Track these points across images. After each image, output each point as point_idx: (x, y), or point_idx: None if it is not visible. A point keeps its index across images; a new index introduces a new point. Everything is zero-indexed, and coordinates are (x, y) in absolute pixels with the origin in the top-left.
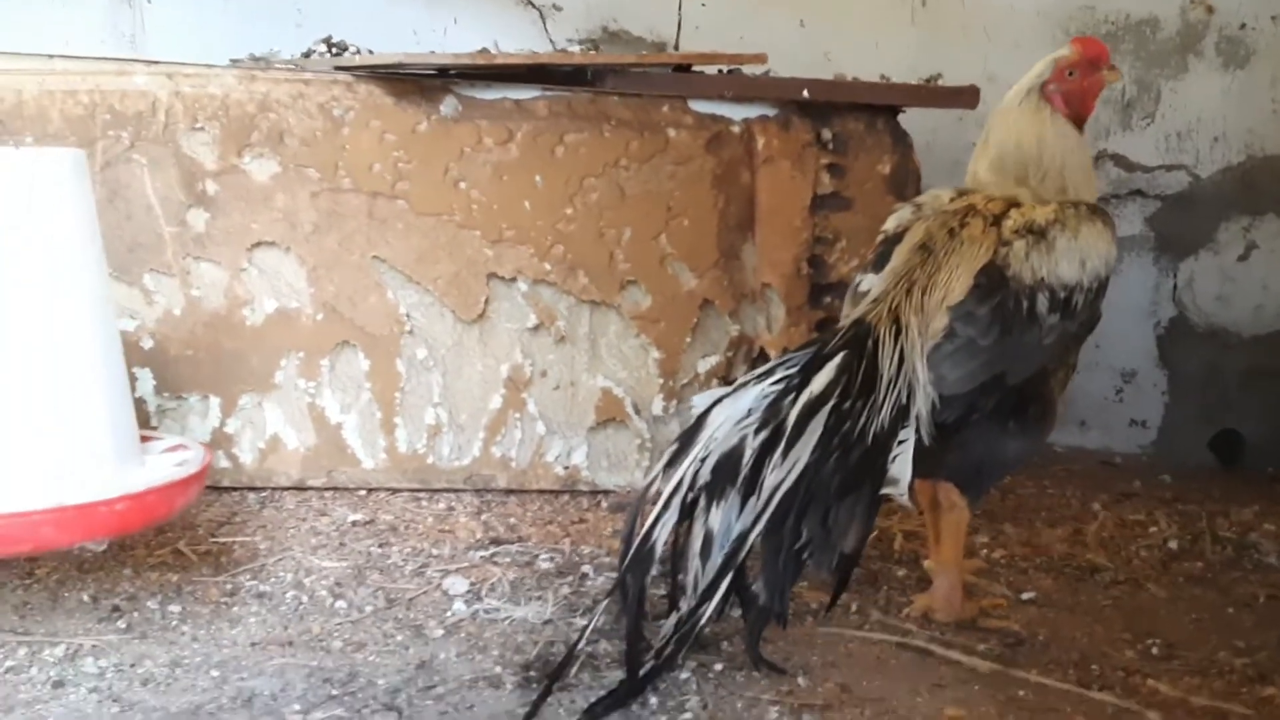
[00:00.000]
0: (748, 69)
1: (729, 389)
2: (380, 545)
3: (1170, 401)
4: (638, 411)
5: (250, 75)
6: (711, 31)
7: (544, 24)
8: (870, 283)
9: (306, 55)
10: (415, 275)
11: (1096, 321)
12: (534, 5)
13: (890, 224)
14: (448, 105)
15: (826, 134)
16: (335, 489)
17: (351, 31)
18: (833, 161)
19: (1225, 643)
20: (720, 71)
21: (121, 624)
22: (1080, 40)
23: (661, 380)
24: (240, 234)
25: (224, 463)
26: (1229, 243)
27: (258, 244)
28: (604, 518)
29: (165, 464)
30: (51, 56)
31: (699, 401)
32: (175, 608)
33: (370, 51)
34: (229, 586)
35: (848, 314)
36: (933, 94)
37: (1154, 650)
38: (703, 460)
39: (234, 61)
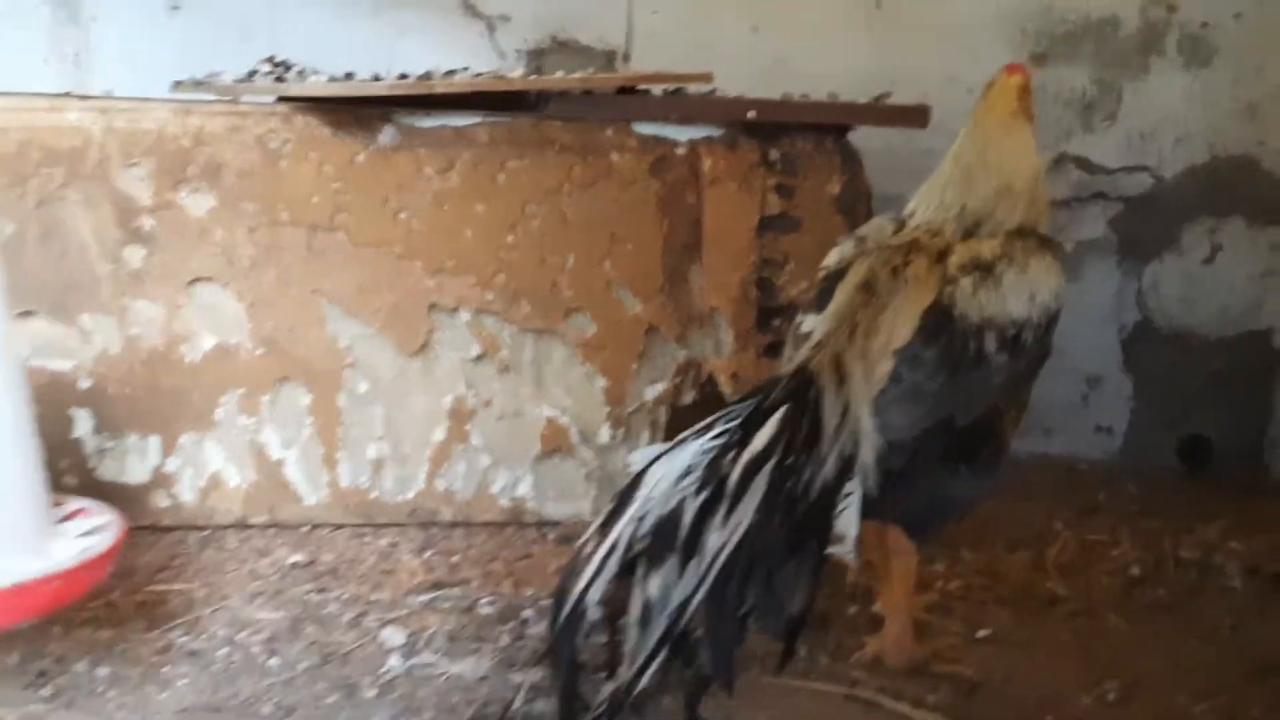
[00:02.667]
0: (695, 88)
1: (667, 445)
2: (319, 591)
3: (1136, 406)
4: (585, 440)
5: (185, 109)
6: (662, 38)
7: (491, 35)
8: (812, 323)
9: (250, 76)
10: (356, 308)
11: (1047, 356)
12: (481, 16)
13: (832, 259)
14: (386, 135)
15: (774, 154)
16: (278, 526)
17: (298, 47)
18: (781, 182)
19: (1186, 683)
20: (666, 92)
21: (47, 691)
22: (1017, 67)
23: (608, 408)
24: (178, 270)
25: (165, 502)
26: (1193, 245)
27: (196, 280)
28: (550, 551)
29: (72, 545)
30: None
31: (636, 459)
32: (104, 670)
33: (315, 72)
34: (161, 644)
35: (790, 356)
36: (881, 113)
37: (1110, 696)
38: (640, 521)
39: (176, 84)
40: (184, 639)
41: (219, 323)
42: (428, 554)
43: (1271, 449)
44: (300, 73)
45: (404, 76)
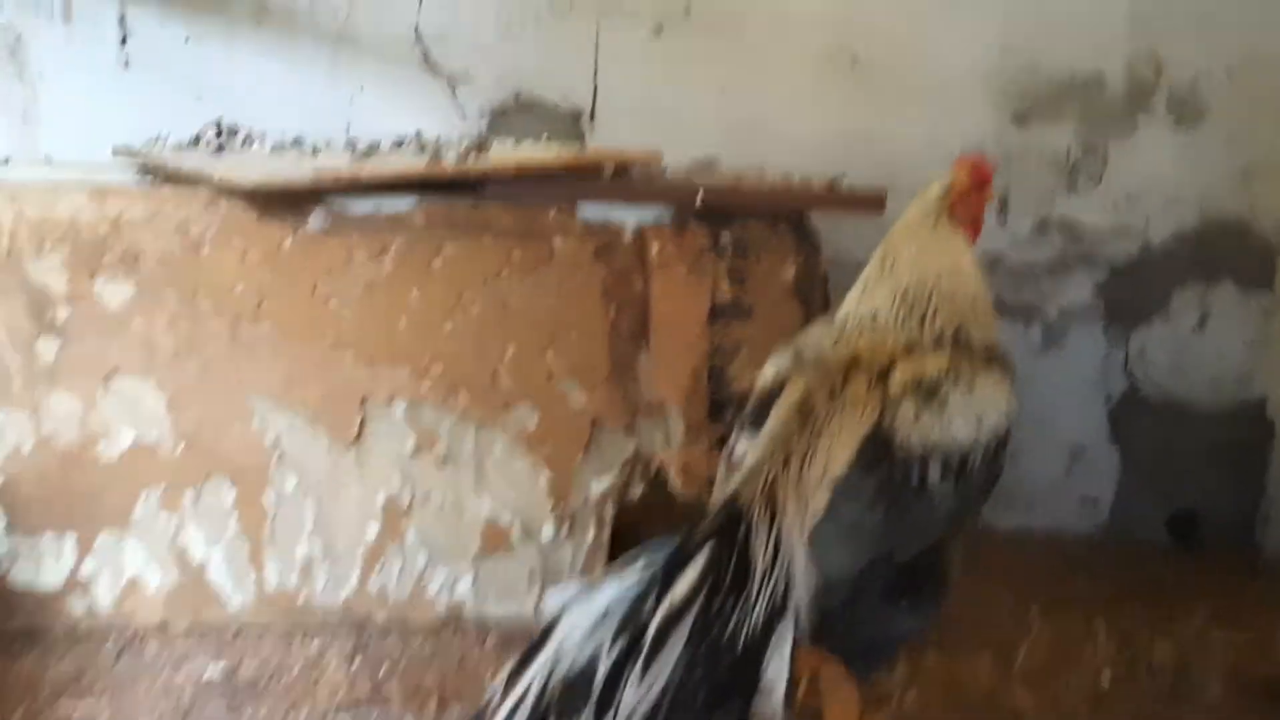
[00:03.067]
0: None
1: (584, 585)
2: (232, 710)
3: (1123, 479)
4: (527, 537)
5: (102, 193)
6: (628, 97)
7: (453, 93)
8: (745, 447)
9: (194, 141)
10: (284, 400)
11: (997, 479)
12: (442, 74)
13: (768, 374)
14: (316, 219)
15: (725, 237)
16: (202, 630)
17: (253, 104)
18: (732, 267)
19: None
20: (614, 172)
21: None
22: (966, 163)
23: (552, 502)
24: (94, 363)
25: (81, 607)
26: (1183, 311)
27: (113, 373)
28: (487, 658)
29: None
30: None
31: (550, 602)
32: None
33: (262, 136)
34: None
35: (722, 480)
36: (836, 199)
37: None
38: (550, 673)
39: (115, 151)
40: None
41: (138, 417)
42: (356, 662)
43: (1264, 525)
44: (246, 139)
45: (350, 145)
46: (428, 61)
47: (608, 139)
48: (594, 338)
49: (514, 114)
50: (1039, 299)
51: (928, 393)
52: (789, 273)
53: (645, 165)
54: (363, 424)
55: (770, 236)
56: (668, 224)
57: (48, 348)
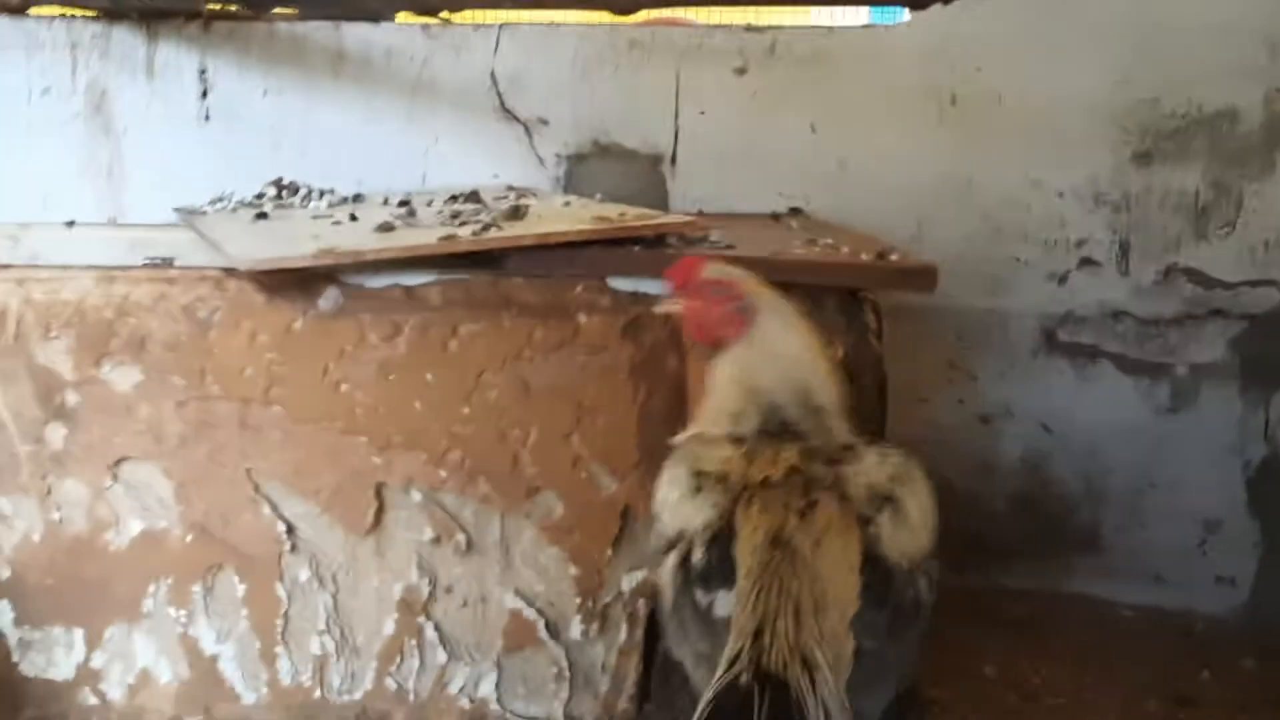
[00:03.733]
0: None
1: None
2: None
3: (1264, 555)
4: (554, 634)
5: (109, 276)
6: (710, 141)
7: (530, 139)
8: (726, 604)
9: (259, 198)
10: (295, 488)
11: None
12: (519, 120)
13: (700, 516)
14: (328, 299)
15: None
16: None
17: (329, 154)
18: None
19: None
20: (647, 241)
21: None
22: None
23: (581, 598)
24: (102, 449)
25: (92, 700)
26: None
27: (121, 459)
28: None
29: None
30: None
31: None
32: None
33: (328, 192)
34: None
35: (700, 651)
36: (881, 274)
37: None
38: None
39: (176, 210)
40: None
41: (146, 506)
42: None
43: None
44: (305, 196)
45: (405, 202)
46: (504, 107)
47: (689, 184)
48: (623, 420)
49: (592, 159)
50: (1166, 355)
51: (890, 503)
52: (836, 353)
53: (684, 233)
54: (378, 512)
55: (816, 312)
56: None
57: (56, 434)
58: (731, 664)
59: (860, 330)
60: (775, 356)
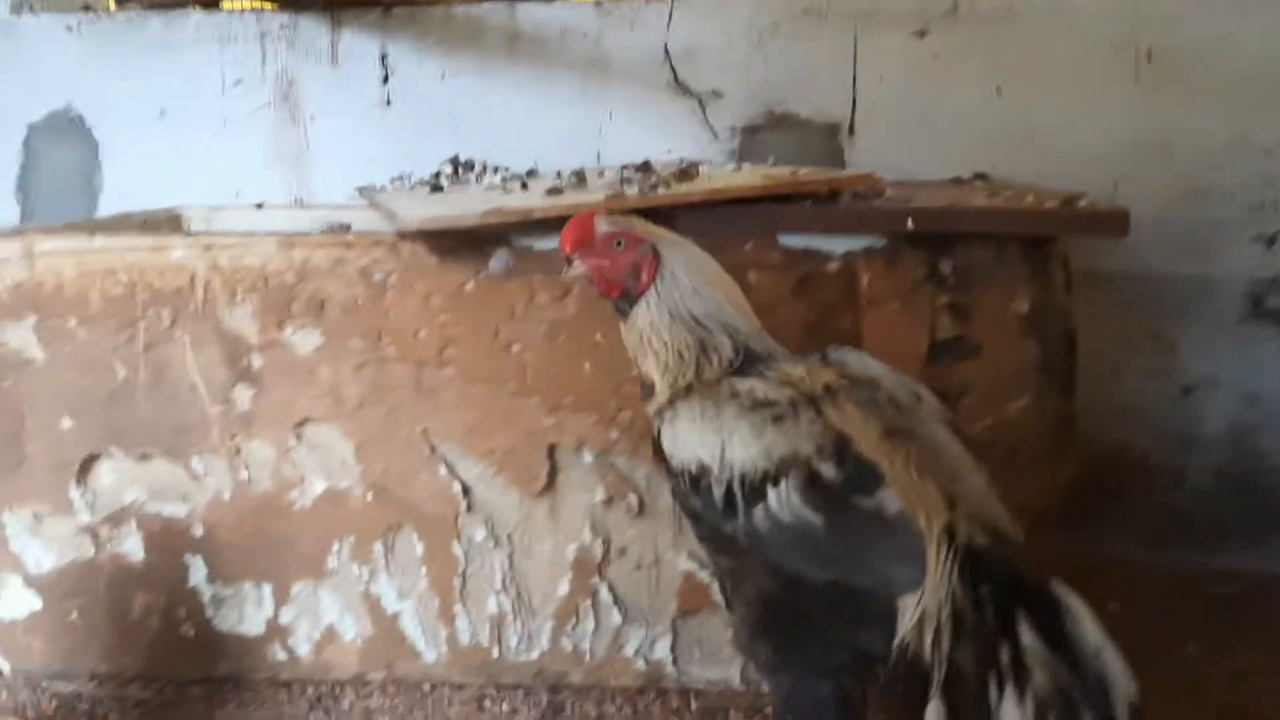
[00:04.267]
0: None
1: None
2: None
3: None
4: None
5: (290, 242)
6: (889, 107)
7: (703, 112)
8: (893, 500)
9: (435, 177)
10: (469, 448)
11: None
12: (692, 93)
13: (797, 442)
14: (498, 260)
15: (945, 266)
16: (397, 683)
17: (505, 134)
18: (954, 300)
19: None
20: (819, 196)
21: None
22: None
23: None
24: (286, 410)
25: (281, 655)
26: None
27: (304, 421)
28: None
29: None
30: (92, 234)
31: None
32: None
33: (501, 169)
34: None
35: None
36: (1069, 220)
37: None
38: None
39: (357, 190)
40: None
41: (328, 465)
42: None
43: None
44: (480, 172)
45: (578, 174)
46: (677, 81)
47: (867, 153)
48: None
49: (766, 131)
50: None
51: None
52: (1023, 304)
53: (859, 188)
54: (551, 473)
55: (997, 265)
56: (879, 253)
57: (243, 396)
58: (949, 541)
59: (1046, 282)
60: (696, 289)
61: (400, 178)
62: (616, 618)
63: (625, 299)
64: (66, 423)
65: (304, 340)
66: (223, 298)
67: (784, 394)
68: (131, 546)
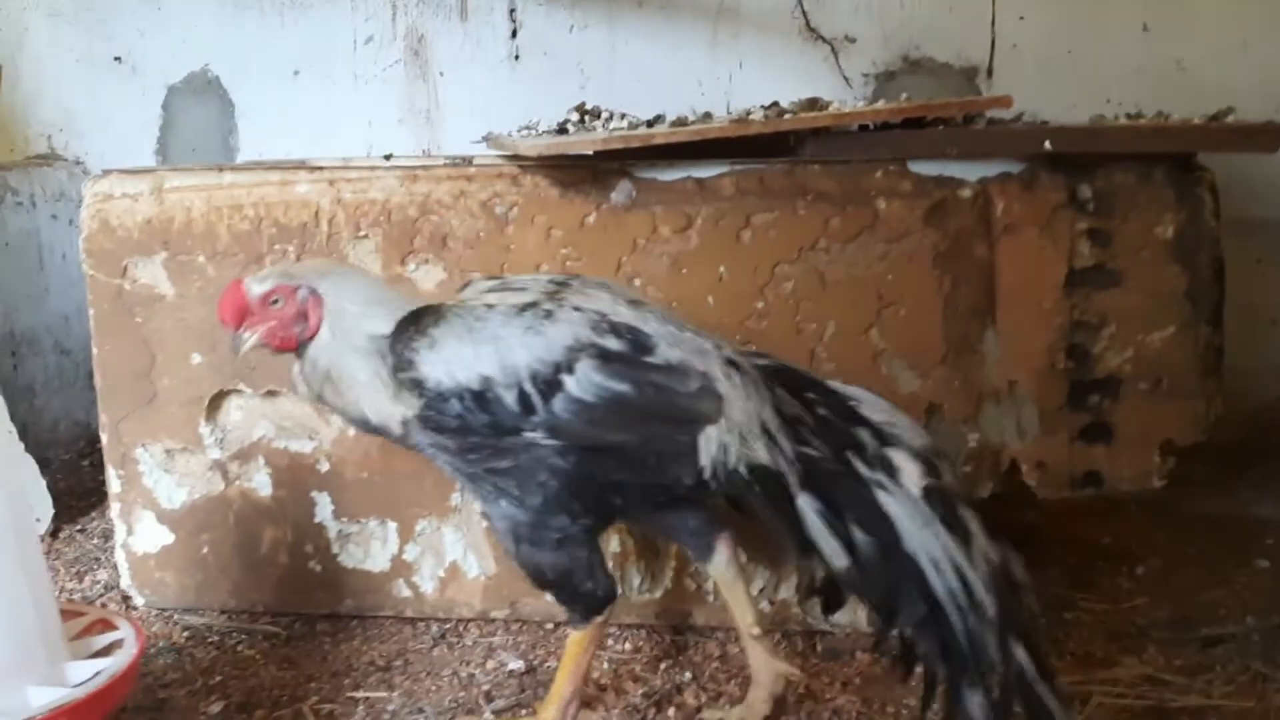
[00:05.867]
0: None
1: None
2: (512, 708)
3: None
4: None
5: (412, 176)
6: (1030, 48)
7: (836, 59)
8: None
9: (562, 126)
10: None
11: None
12: (825, 40)
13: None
14: (620, 192)
15: (1085, 191)
16: (520, 621)
17: (633, 87)
18: (1094, 226)
19: None
20: (953, 122)
21: None
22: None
23: None
24: None
25: (406, 592)
26: None
27: None
28: (809, 670)
29: (84, 669)
30: (220, 170)
31: None
32: None
33: (626, 116)
34: None
35: None
36: (1216, 135)
37: None
38: None
39: (484, 138)
40: None
41: None
42: (664, 665)
43: None
44: (607, 119)
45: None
46: (809, 27)
47: None
48: (926, 312)
49: (902, 76)
50: None
51: None
52: (1168, 230)
53: (993, 111)
54: None
55: (1141, 189)
56: (1015, 178)
57: None
58: (735, 366)
59: (1194, 207)
60: (366, 312)
61: (528, 127)
62: (741, 557)
63: (303, 346)
64: (196, 359)
65: (426, 275)
66: (346, 232)
67: (534, 294)
68: (260, 482)
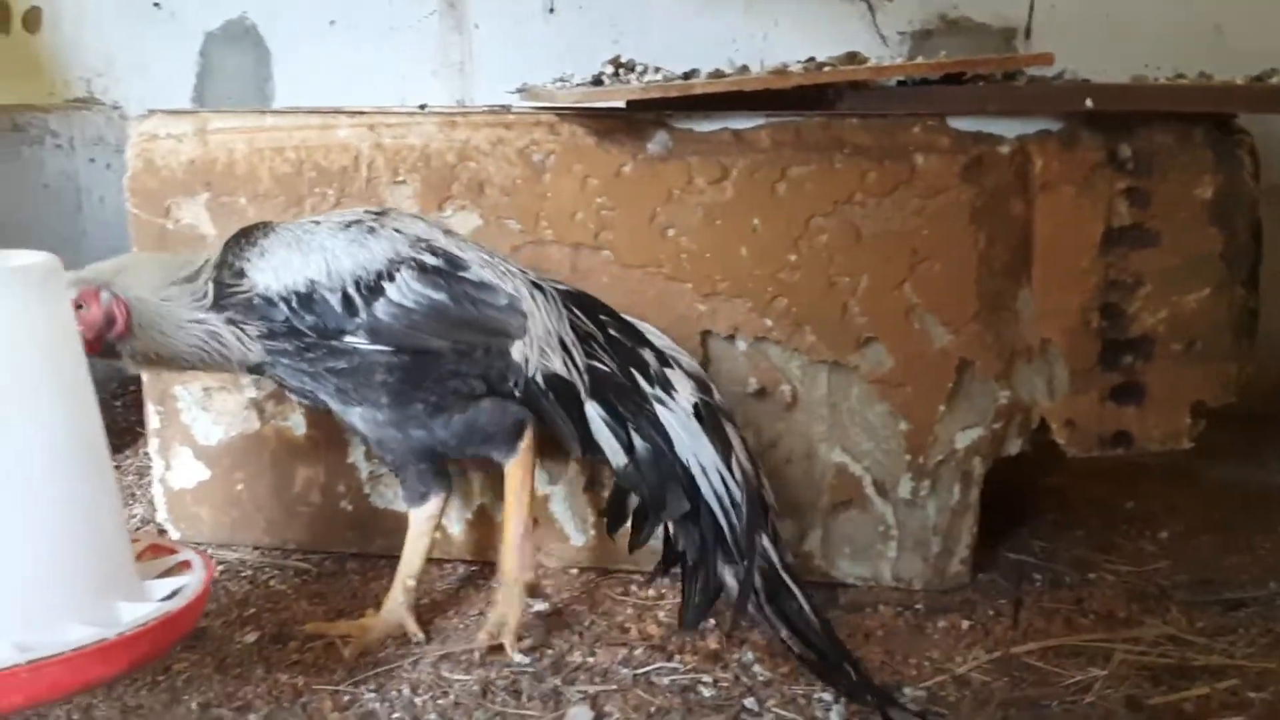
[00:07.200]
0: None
1: None
2: (538, 647)
3: None
4: (881, 492)
5: (451, 122)
6: (1069, 10)
7: (873, 17)
8: None
9: (596, 79)
10: None
11: None
12: None
13: None
14: (656, 142)
15: (1124, 150)
16: (543, 566)
17: (668, 43)
18: (1133, 185)
19: None
20: (993, 78)
21: None
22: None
23: (909, 457)
24: None
25: (435, 534)
26: None
27: None
28: (836, 619)
29: (155, 597)
30: (263, 113)
31: None
32: None
33: (657, 70)
34: (346, 699)
35: None
36: (1257, 96)
37: None
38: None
39: (521, 89)
40: (370, 695)
41: None
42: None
43: None
44: (641, 73)
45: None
46: None
47: None
48: (961, 268)
49: (939, 36)
50: None
51: None
52: (1206, 190)
53: (1032, 68)
54: (704, 361)
55: (1180, 149)
56: (1054, 136)
57: None
58: (539, 289)
59: (1233, 168)
60: (165, 296)
61: (562, 79)
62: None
63: (118, 344)
64: None
65: (463, 221)
66: (385, 177)
67: (354, 217)
68: (295, 421)
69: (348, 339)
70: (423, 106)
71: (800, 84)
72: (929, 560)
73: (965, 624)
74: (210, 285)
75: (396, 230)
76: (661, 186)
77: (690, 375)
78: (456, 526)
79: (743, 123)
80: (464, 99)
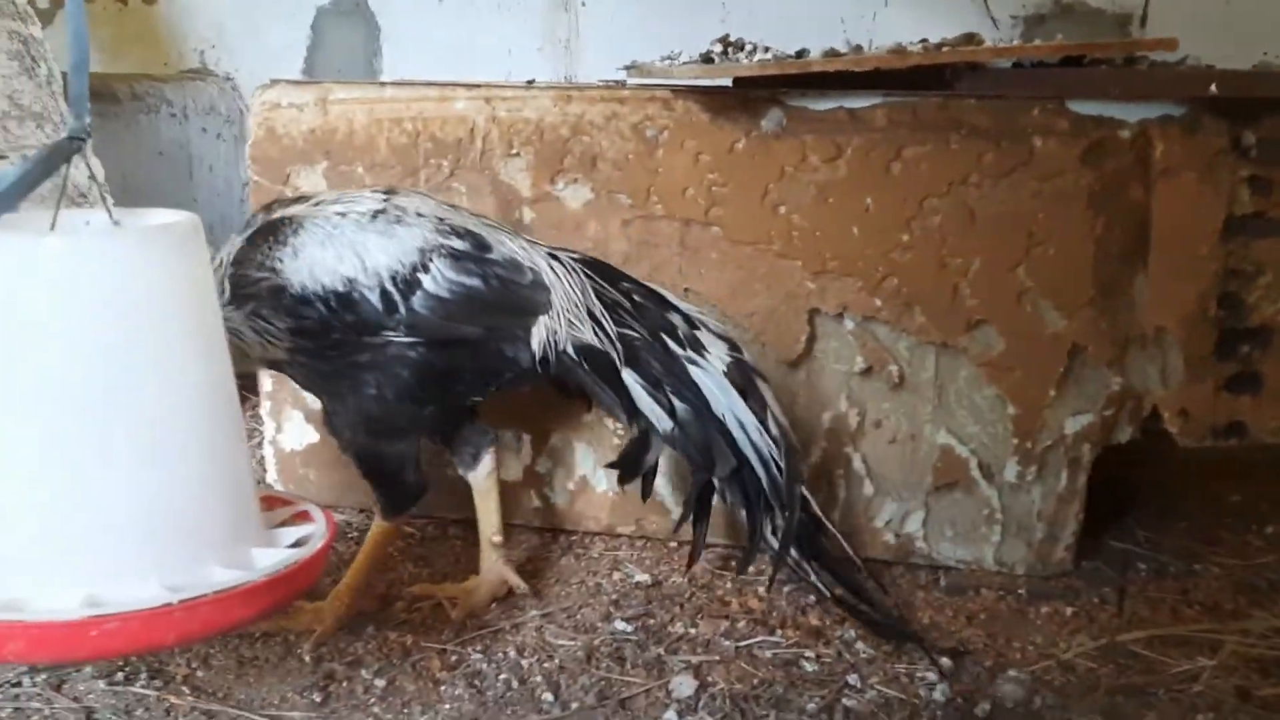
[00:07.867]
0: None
1: None
2: (640, 617)
3: None
4: (986, 475)
5: (565, 96)
6: None
7: (984, 1)
8: None
9: (706, 57)
10: (729, 309)
11: None
12: None
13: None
14: (771, 119)
15: (1249, 138)
16: (644, 538)
17: (775, 22)
18: (1256, 173)
19: None
20: (1113, 63)
21: (317, 696)
22: None
23: (1016, 440)
24: None
25: (536, 502)
26: None
27: None
28: (931, 602)
29: (277, 552)
30: (382, 84)
31: None
32: (383, 681)
33: (766, 49)
34: (454, 658)
35: None
36: None
37: None
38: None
39: (625, 68)
40: (476, 655)
41: None
42: (788, 588)
43: None
44: (750, 51)
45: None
46: None
47: None
48: (1076, 253)
49: (1053, 20)
50: None
51: None
52: None
53: (1160, 51)
54: (810, 340)
55: None
56: (1176, 121)
57: None
58: (559, 261)
59: None
60: None
61: (669, 57)
62: (869, 488)
63: None
64: None
65: (574, 195)
66: (499, 149)
67: (374, 204)
68: None
69: (386, 334)
70: (530, 82)
71: (918, 64)
72: (1033, 545)
73: (1069, 610)
74: (226, 282)
75: (419, 214)
76: (774, 164)
77: (720, 336)
78: (561, 497)
79: (858, 102)
80: (569, 76)
